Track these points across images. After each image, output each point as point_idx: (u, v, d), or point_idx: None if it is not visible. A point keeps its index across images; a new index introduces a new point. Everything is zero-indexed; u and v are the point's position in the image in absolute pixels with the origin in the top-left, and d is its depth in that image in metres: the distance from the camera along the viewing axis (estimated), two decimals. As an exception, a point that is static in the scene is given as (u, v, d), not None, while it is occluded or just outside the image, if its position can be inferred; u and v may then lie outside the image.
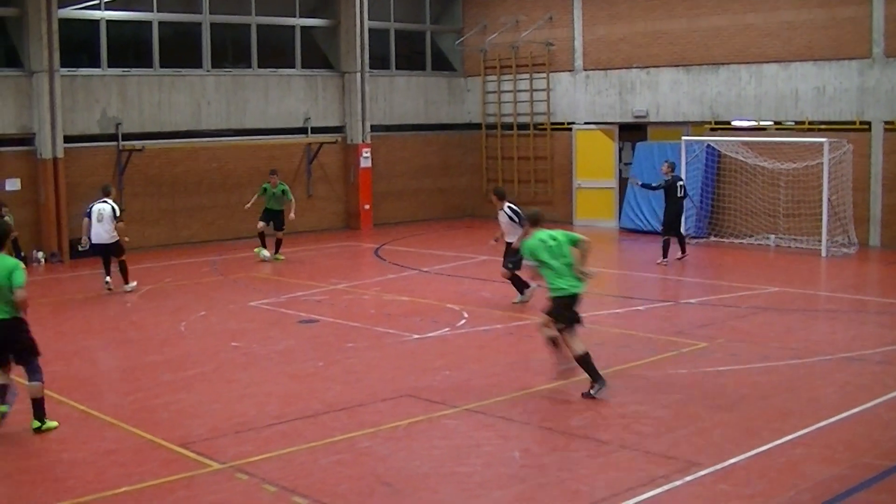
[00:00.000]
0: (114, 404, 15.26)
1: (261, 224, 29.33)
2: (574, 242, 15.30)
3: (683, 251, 27.92)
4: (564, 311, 15.27)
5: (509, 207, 22.10)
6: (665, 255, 27.23)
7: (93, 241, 24.55)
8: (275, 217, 29.34)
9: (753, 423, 13.68)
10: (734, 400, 14.82)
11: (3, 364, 13.94)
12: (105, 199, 24.61)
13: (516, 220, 21.59)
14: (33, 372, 13.90)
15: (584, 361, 15.04)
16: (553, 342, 16.06)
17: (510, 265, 21.66)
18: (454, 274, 26.49)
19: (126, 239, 25.09)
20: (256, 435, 13.62)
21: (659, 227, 31.89)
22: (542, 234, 15.49)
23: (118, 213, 24.43)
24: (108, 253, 24.63)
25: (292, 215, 29.49)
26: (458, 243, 32.54)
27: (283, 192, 29.32)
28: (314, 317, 21.32)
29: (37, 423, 13.87)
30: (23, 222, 29.71)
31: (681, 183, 27.62)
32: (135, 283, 24.94)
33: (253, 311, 22.04)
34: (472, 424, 13.93)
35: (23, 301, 13.65)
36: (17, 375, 14.12)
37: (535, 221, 16.06)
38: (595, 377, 14.95)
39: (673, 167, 27.98)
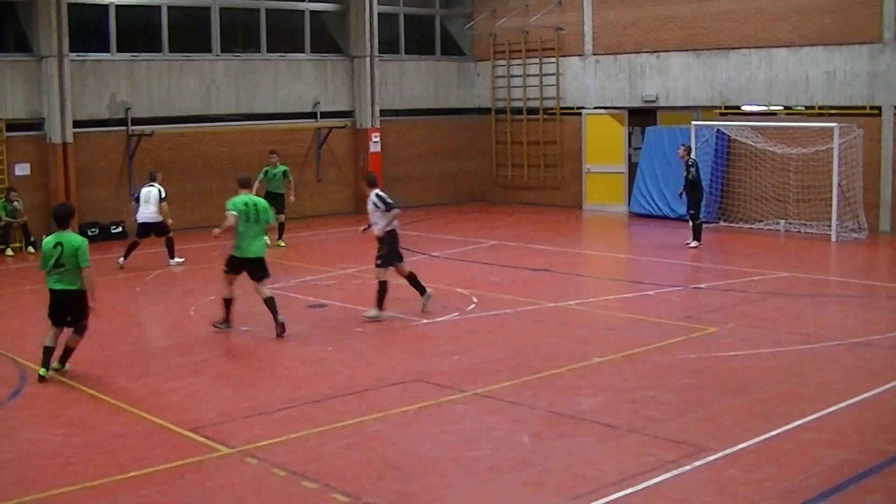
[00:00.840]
0: (123, 388, 15.27)
1: None
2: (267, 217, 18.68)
3: (698, 238, 27.78)
4: (235, 268, 18.52)
5: (377, 195, 20.04)
6: (698, 238, 27.46)
7: (139, 221, 25.97)
8: (275, 201, 27.78)
9: (763, 408, 13.67)
10: (744, 384, 14.81)
11: (60, 327, 15.75)
12: (152, 183, 25.91)
13: (382, 206, 19.83)
14: (79, 330, 15.76)
15: (271, 303, 18.28)
16: (227, 303, 18.62)
17: (379, 262, 19.78)
18: (463, 258, 26.47)
19: (169, 221, 26.07)
20: (266, 419, 13.64)
21: (669, 212, 31.95)
22: (245, 197, 18.60)
23: (163, 196, 25.74)
24: (152, 232, 25.93)
25: (292, 197, 29.45)
26: (468, 228, 32.51)
27: (284, 172, 29.22)
28: (323, 301, 21.34)
29: (57, 365, 15.70)
30: (32, 207, 29.82)
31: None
32: (181, 259, 26.05)
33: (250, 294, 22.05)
34: (482, 409, 13.93)
35: (89, 279, 15.38)
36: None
37: (244, 184, 19.23)
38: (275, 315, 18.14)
39: (689, 150, 27.93)
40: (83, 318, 15.74)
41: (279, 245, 28.78)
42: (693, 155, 28.35)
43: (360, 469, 11.66)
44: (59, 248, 15.41)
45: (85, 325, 15.81)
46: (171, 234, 26.11)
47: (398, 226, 20.10)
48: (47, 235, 16.18)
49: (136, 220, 26.28)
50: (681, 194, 27.83)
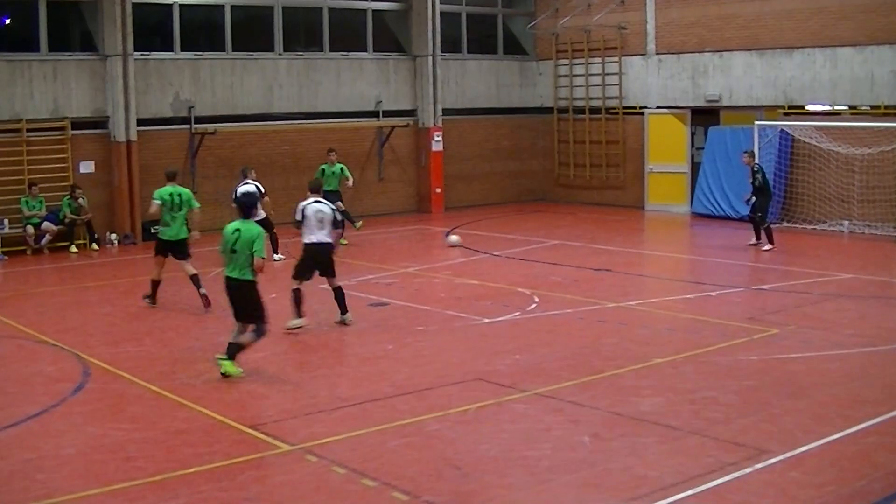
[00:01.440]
0: (185, 384, 15.36)
1: None
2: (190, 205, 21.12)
3: (758, 238, 27.50)
4: (161, 250, 21.16)
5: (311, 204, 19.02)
6: (771, 241, 27.11)
7: None
8: (334, 199, 28.14)
9: (825, 411, 13.56)
10: (805, 387, 14.69)
11: (242, 322, 16.07)
12: (247, 181, 25.55)
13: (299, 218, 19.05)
14: (258, 331, 15.89)
15: (195, 278, 20.77)
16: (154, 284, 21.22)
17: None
18: (525, 258, 26.42)
19: (272, 212, 26.25)
20: (326, 417, 13.68)
21: (731, 212, 31.78)
22: (170, 188, 20.95)
23: (263, 191, 25.46)
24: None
25: (349, 183, 29.63)
26: (529, 227, 32.45)
27: (342, 170, 29.29)
28: (384, 300, 21.37)
29: (223, 360, 15.71)
30: (96, 204, 30.10)
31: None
32: (283, 256, 26.23)
33: (324, 293, 22.02)
34: (542, 409, 13.91)
35: (260, 267, 15.68)
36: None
37: (170, 177, 21.31)
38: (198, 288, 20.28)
39: (753, 156, 27.75)
40: (260, 317, 15.86)
41: (341, 243, 28.66)
42: (757, 159, 28.14)
43: (420, 467, 11.67)
44: (237, 233, 15.83)
45: (264, 330, 15.89)
46: (274, 230, 25.94)
47: (319, 240, 18.88)
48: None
49: None
50: (748, 200, 27.59)
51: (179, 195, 21.09)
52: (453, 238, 28.54)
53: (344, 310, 19.25)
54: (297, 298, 18.80)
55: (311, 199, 18.94)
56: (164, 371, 16.16)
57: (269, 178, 32.96)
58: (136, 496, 11.00)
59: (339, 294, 19.25)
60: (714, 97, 34.55)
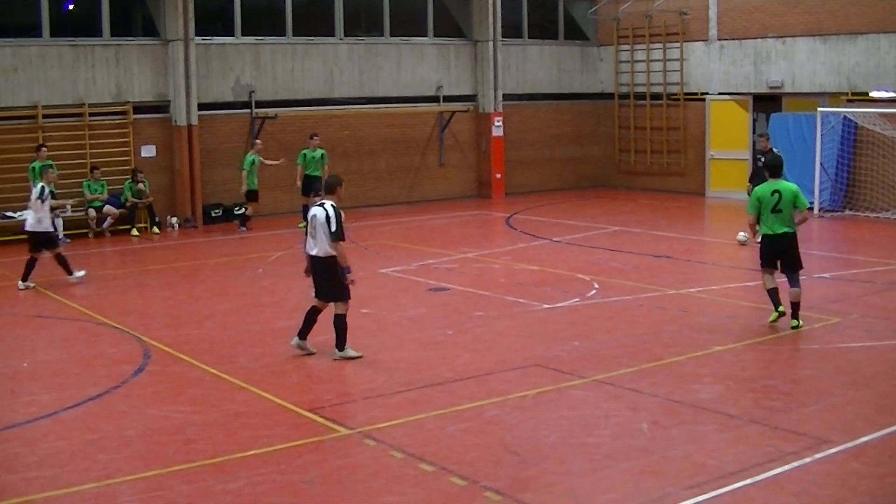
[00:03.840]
0: (244, 368, 15.42)
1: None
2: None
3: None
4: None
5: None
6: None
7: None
8: (316, 185, 26.46)
9: (887, 401, 13.42)
10: (867, 377, 14.54)
11: (774, 267, 17.30)
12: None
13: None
14: (794, 280, 17.11)
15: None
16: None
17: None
18: (585, 244, 26.34)
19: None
20: (385, 401, 13.70)
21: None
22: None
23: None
24: None
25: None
26: (590, 213, 32.35)
27: (322, 156, 29.45)
28: (444, 285, 21.35)
29: (795, 322, 17.02)
30: (158, 188, 30.32)
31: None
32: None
33: (383, 278, 22.13)
34: (601, 395, 13.86)
35: (804, 220, 17.39)
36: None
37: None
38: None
39: (768, 139, 26.85)
40: (797, 263, 17.27)
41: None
42: (815, 144, 27.63)
43: (478, 453, 11.65)
44: (776, 195, 17.01)
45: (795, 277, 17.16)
46: None
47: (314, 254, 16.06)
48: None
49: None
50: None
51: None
52: (742, 236, 25.71)
53: (339, 345, 16.03)
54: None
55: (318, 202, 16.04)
56: (224, 354, 16.24)
57: (330, 163, 33.06)
58: (195, 478, 11.06)
59: (336, 323, 16.00)
60: (776, 83, 34.26)
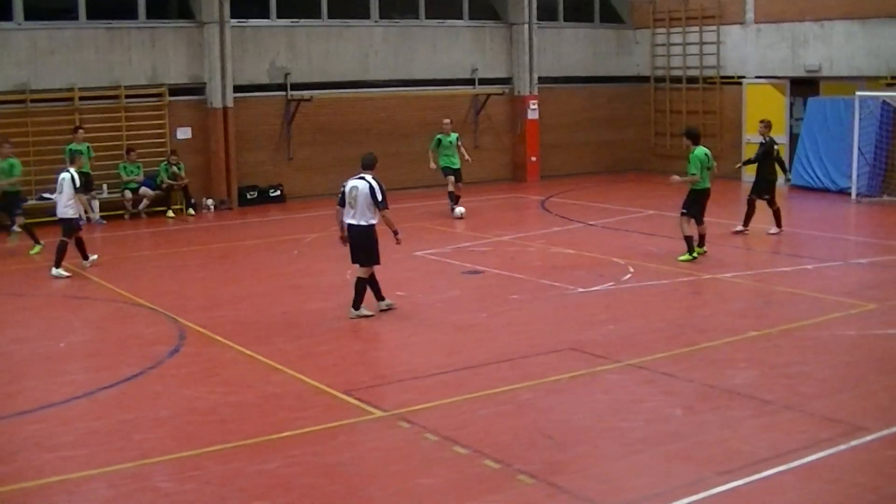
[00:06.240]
0: (279, 349, 15.46)
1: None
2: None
3: (778, 224, 25.16)
4: None
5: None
6: (747, 224, 25.17)
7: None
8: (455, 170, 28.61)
9: (925, 388, 13.37)
10: (904, 363, 14.48)
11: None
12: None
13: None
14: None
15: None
16: None
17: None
18: (620, 228, 26.27)
19: None
20: (419, 384, 13.71)
21: (830, 184, 31.32)
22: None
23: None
24: None
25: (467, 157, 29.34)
26: (625, 197, 32.24)
27: (456, 139, 28.97)
28: (479, 268, 21.35)
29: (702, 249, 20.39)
30: (193, 170, 30.40)
31: (776, 146, 25.87)
32: None
33: (418, 260, 22.14)
34: (635, 380, 13.83)
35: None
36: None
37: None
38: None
39: (770, 126, 26.35)
40: None
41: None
42: (853, 128, 27.39)
43: (512, 436, 11.65)
44: (707, 157, 19.89)
45: None
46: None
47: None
48: None
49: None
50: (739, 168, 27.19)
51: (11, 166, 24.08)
52: (459, 210, 28.17)
53: (356, 305, 17.35)
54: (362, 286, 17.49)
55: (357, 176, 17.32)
56: (259, 336, 16.28)
57: (366, 146, 33.01)
58: (229, 459, 11.10)
59: (358, 285, 17.36)
60: (814, 67, 34.02)
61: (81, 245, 21.95)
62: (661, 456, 11.10)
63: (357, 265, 17.36)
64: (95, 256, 22.32)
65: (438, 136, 28.67)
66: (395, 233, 17.22)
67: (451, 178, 28.24)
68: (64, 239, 21.32)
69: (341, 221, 17.35)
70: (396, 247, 17.64)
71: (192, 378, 14.24)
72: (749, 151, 35.17)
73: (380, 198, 16.92)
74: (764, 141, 25.23)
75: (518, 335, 16.16)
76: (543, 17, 37.52)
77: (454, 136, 28.68)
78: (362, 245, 17.14)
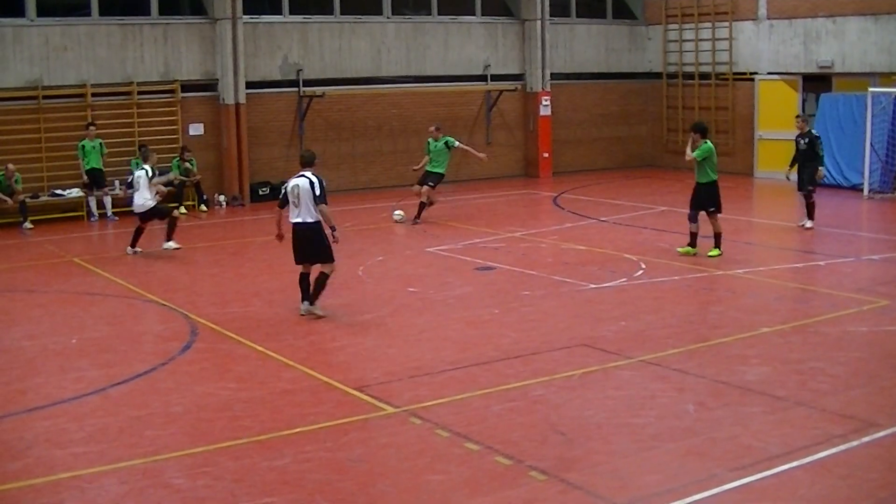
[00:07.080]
0: (291, 346, 15.47)
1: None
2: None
3: (811, 217, 25.26)
4: None
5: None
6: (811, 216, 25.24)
7: None
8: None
9: (938, 384, 13.33)
10: (917, 359, 14.45)
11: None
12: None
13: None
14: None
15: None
16: None
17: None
18: (632, 224, 26.23)
19: None
20: (431, 380, 13.71)
21: (842, 180, 31.26)
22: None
23: None
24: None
25: (481, 155, 29.12)
26: (637, 193, 32.20)
27: (446, 143, 28.62)
28: (491, 264, 21.33)
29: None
30: (205, 166, 30.42)
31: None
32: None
33: (430, 256, 22.14)
34: (647, 376, 13.81)
35: None
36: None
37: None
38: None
39: (808, 121, 26.15)
40: None
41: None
42: (866, 125, 27.33)
43: (524, 432, 11.65)
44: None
45: None
46: None
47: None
48: None
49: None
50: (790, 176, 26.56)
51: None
52: (398, 214, 27.33)
53: (312, 300, 17.30)
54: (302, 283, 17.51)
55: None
56: (271, 332, 16.29)
57: (378, 142, 33.17)
58: (241, 454, 11.11)
59: (320, 280, 17.25)
60: (826, 63, 33.95)
61: (139, 234, 23.27)
62: (674, 452, 11.09)
63: (321, 263, 17.16)
64: (139, 249, 23.34)
65: (428, 140, 28.30)
66: (333, 229, 16.99)
67: (424, 187, 27.08)
68: (169, 217, 23.41)
69: (279, 221, 17.42)
70: (408, 242, 17.64)
71: (204, 374, 14.25)
72: (763, 148, 35.26)
73: (318, 192, 16.71)
74: (802, 134, 25.24)
75: (530, 331, 16.15)
76: (556, 14, 37.52)
77: (443, 141, 27.70)
78: (313, 242, 17.03)
